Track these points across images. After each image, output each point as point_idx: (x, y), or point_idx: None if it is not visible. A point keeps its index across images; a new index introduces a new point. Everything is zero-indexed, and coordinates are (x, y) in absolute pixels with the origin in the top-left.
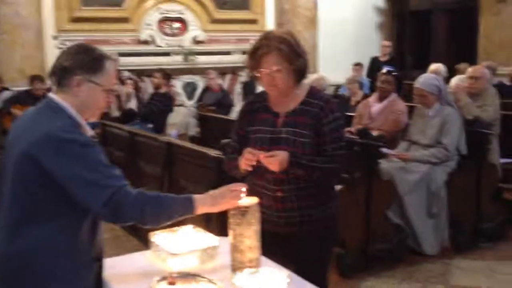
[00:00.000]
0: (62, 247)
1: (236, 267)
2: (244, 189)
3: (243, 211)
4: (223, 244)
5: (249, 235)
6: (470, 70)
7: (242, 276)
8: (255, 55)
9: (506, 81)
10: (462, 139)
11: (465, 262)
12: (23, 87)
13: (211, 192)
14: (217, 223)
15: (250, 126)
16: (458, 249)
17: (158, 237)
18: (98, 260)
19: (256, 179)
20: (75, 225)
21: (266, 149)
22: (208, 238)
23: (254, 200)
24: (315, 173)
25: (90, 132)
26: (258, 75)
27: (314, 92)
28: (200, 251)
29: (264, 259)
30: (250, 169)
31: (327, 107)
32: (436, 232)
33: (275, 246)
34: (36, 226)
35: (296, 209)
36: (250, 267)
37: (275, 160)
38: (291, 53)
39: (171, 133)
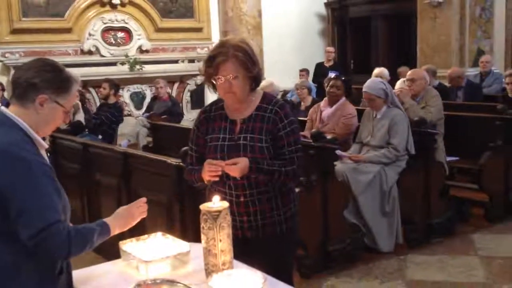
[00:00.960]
0: (18, 265)
1: (210, 270)
2: (145, 202)
3: (215, 215)
4: (194, 249)
5: (221, 239)
6: (408, 73)
7: (218, 278)
8: (213, 63)
9: (446, 82)
10: (410, 139)
11: (418, 257)
12: None
13: (120, 211)
14: (193, 231)
15: (207, 134)
16: (411, 245)
17: (128, 245)
18: (61, 273)
19: (218, 186)
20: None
21: (226, 156)
22: (179, 244)
23: (224, 204)
24: (275, 176)
25: (44, 145)
26: (215, 82)
27: (267, 98)
28: (172, 257)
29: (235, 262)
30: (215, 179)
31: (282, 111)
32: (390, 229)
33: (243, 250)
34: None
35: (258, 213)
36: (224, 269)
37: (236, 168)
38: (248, 60)
39: (122, 144)
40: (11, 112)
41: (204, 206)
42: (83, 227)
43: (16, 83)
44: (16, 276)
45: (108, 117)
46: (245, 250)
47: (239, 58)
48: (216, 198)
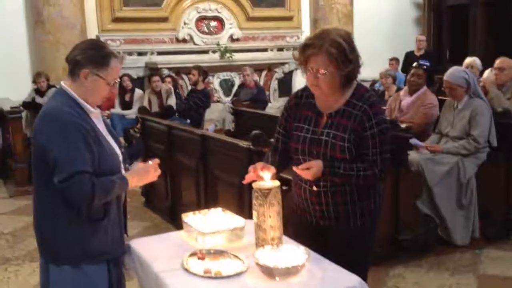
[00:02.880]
0: (55, 208)
1: (259, 244)
2: (158, 162)
3: (265, 193)
4: (249, 225)
5: (271, 215)
6: (497, 61)
7: (263, 251)
8: (305, 51)
9: None
10: (493, 130)
11: (495, 252)
12: None
13: (137, 168)
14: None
15: (295, 122)
16: (488, 240)
17: (190, 217)
18: (102, 220)
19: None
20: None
21: (307, 149)
22: (235, 220)
23: (275, 183)
24: (352, 180)
25: (92, 110)
26: (304, 71)
27: (360, 93)
28: (228, 231)
29: (286, 239)
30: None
31: (371, 110)
32: (466, 222)
33: (316, 237)
34: (42, 191)
35: (331, 204)
36: (272, 244)
37: (309, 173)
38: (341, 59)
39: (209, 128)
40: (67, 85)
41: (256, 184)
42: (106, 179)
43: (68, 62)
44: (54, 217)
45: (196, 102)
46: (318, 237)
47: (331, 54)
48: (267, 175)
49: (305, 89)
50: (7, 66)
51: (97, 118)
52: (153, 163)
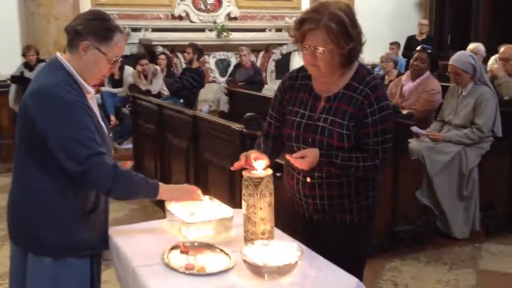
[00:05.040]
0: (47, 198)
1: (248, 238)
2: (200, 192)
3: (256, 182)
4: (239, 216)
5: (261, 207)
6: (501, 50)
7: (252, 247)
8: (301, 26)
9: None
10: (498, 120)
11: (496, 246)
12: None
13: (182, 188)
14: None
15: (289, 104)
16: (489, 233)
17: (173, 206)
18: (92, 212)
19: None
20: (57, 177)
21: (301, 135)
22: (224, 209)
23: (268, 171)
24: (351, 171)
25: (89, 90)
26: (299, 50)
27: (361, 75)
28: (215, 221)
29: (279, 232)
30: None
31: (373, 94)
32: (466, 215)
33: (308, 230)
34: (32, 173)
35: (325, 197)
36: (262, 239)
37: (304, 161)
38: (342, 35)
39: (202, 109)
40: (63, 57)
41: (246, 172)
42: (135, 174)
43: (66, 31)
44: (41, 203)
45: (190, 81)
46: (311, 231)
47: (331, 29)
48: (260, 163)
49: (301, 69)
50: None
51: (92, 100)
52: (196, 189)
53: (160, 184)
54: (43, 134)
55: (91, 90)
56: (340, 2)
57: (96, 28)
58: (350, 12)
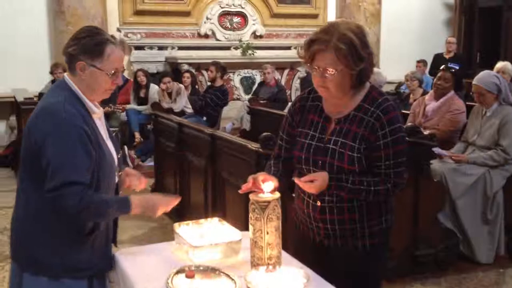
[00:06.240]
0: (45, 218)
1: (255, 263)
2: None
3: (263, 206)
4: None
5: (268, 231)
6: None
7: (257, 273)
8: (310, 47)
9: None
10: None
11: None
12: None
13: (151, 198)
14: None
15: (299, 126)
16: None
17: (182, 228)
18: (90, 234)
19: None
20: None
21: (311, 158)
22: (232, 232)
23: (275, 195)
24: (361, 195)
25: (95, 110)
26: (309, 71)
27: (373, 97)
28: (222, 245)
29: (287, 257)
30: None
31: (385, 117)
32: (490, 239)
33: (320, 256)
34: (31, 193)
35: (336, 222)
36: (269, 264)
37: (312, 186)
38: (352, 56)
39: (226, 127)
40: (69, 79)
41: (253, 195)
42: (101, 200)
43: (63, 55)
44: (39, 223)
45: (212, 99)
46: (322, 256)
47: (341, 51)
48: (268, 186)
49: (312, 90)
50: (26, 56)
51: (99, 119)
52: (173, 199)
53: (131, 199)
54: (39, 150)
55: (97, 110)
56: (350, 23)
57: (86, 46)
58: (360, 33)
